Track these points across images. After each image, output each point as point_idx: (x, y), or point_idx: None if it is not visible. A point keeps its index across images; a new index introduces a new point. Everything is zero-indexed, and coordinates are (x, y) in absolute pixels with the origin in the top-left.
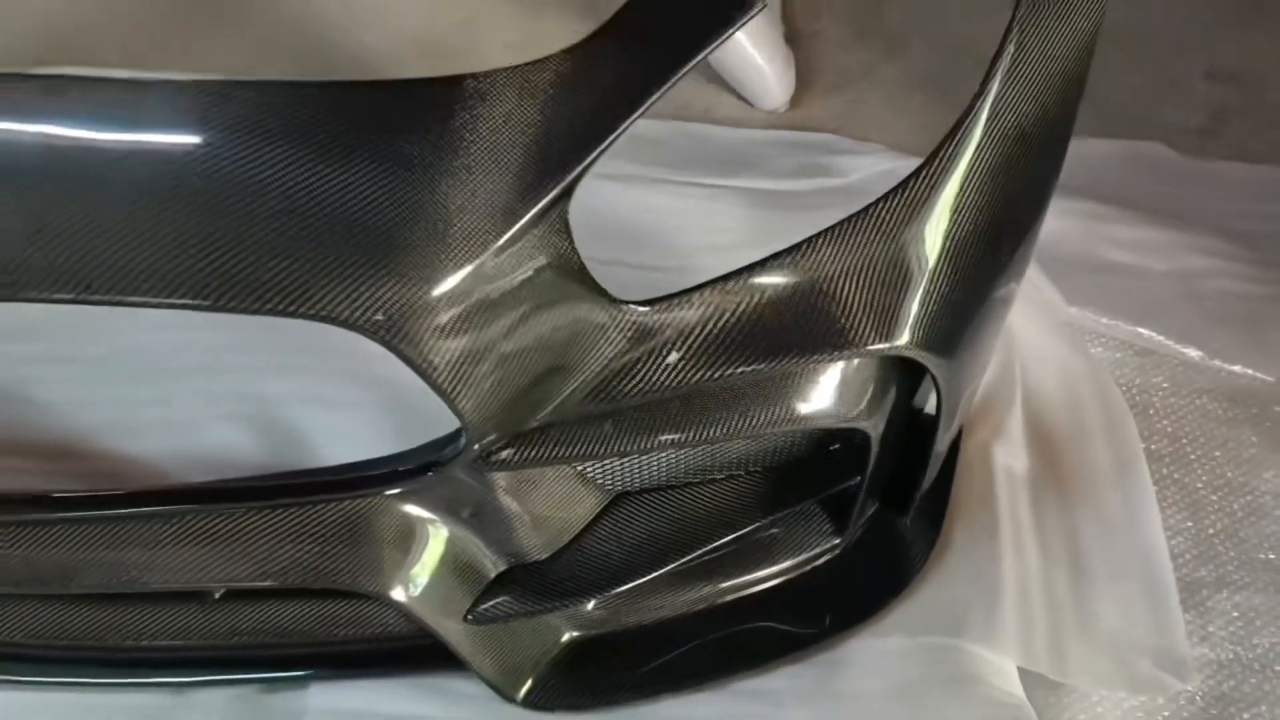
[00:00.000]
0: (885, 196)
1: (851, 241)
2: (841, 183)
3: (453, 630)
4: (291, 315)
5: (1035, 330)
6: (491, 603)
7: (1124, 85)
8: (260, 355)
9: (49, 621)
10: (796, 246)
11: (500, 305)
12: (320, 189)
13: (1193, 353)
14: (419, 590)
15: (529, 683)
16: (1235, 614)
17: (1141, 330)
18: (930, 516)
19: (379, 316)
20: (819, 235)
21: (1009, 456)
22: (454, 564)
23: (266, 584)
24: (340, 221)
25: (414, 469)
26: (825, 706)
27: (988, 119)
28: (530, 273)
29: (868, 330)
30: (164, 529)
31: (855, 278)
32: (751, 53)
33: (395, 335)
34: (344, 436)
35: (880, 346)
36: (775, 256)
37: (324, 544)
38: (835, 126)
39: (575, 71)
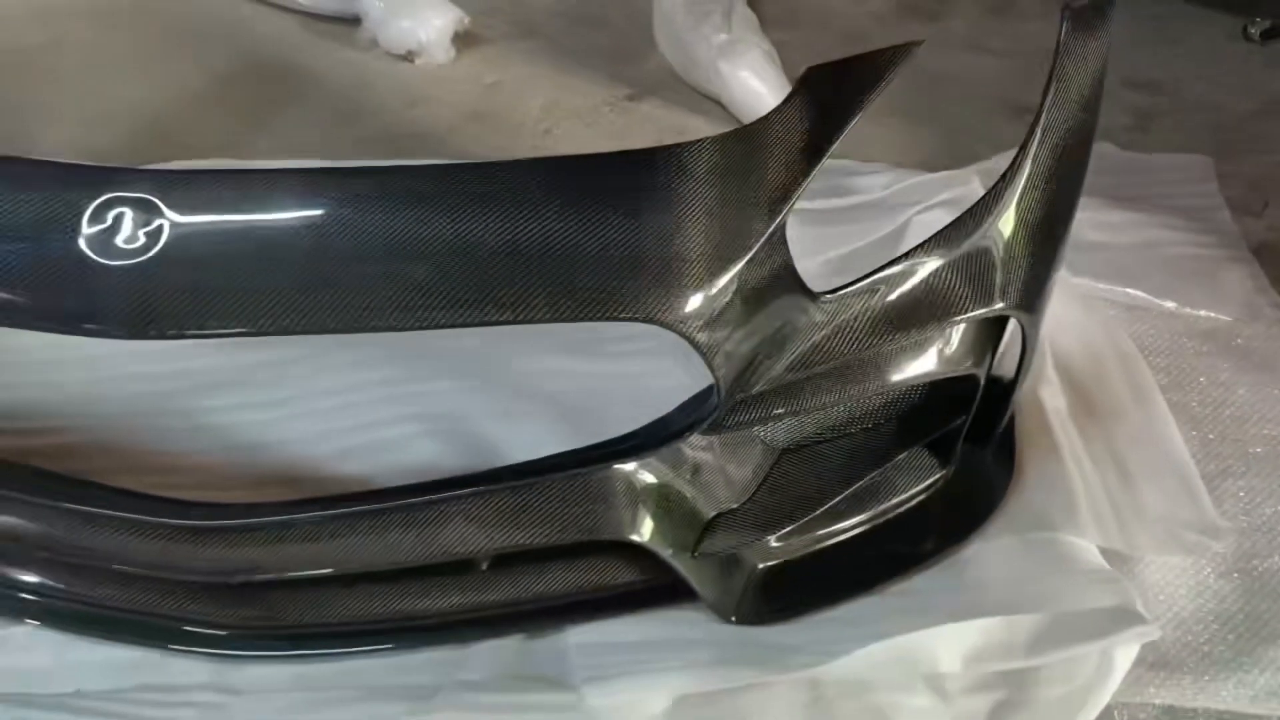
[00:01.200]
0: (975, 205)
1: (956, 238)
2: (869, 198)
3: (686, 564)
4: (616, 319)
5: (1055, 297)
6: (709, 541)
7: None
8: (439, 382)
9: (342, 602)
10: (921, 245)
11: (746, 301)
12: (633, 232)
13: (1169, 304)
14: (663, 535)
15: (738, 604)
16: (1242, 494)
17: (1129, 290)
18: (1006, 448)
19: (669, 317)
20: (933, 237)
21: (1052, 398)
22: (682, 513)
23: (550, 543)
24: (649, 253)
25: (682, 428)
26: (960, 596)
27: (1040, 137)
28: (764, 277)
29: (975, 300)
30: (478, 506)
31: (963, 263)
32: (758, 86)
33: (686, 326)
34: (528, 441)
35: (984, 311)
36: (906, 255)
37: (599, 504)
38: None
39: (759, 137)
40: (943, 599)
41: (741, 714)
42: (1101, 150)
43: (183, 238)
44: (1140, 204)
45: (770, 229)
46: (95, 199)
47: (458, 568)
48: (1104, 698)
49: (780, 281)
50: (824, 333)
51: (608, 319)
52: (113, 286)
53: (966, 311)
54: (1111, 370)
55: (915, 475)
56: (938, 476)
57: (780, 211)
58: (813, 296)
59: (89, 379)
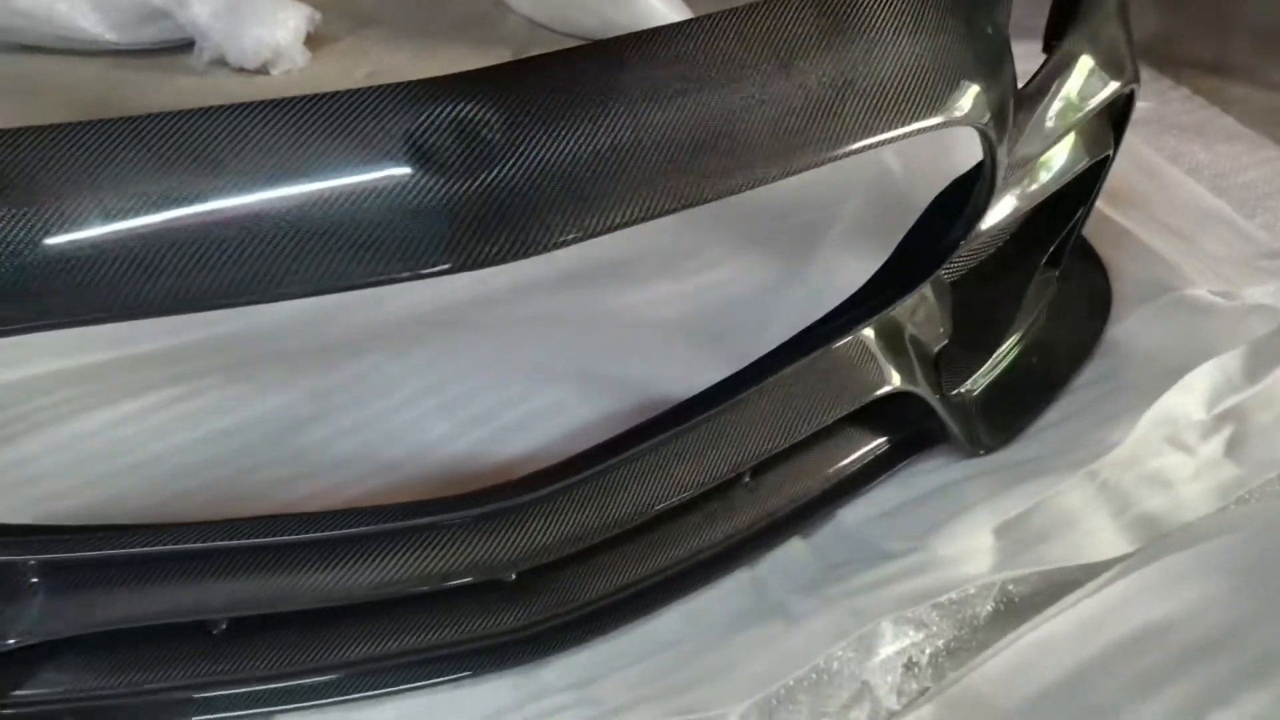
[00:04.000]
0: None
1: None
2: None
3: (938, 404)
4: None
5: None
6: (946, 378)
7: None
8: (553, 344)
9: (631, 565)
10: None
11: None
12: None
13: None
14: (917, 379)
15: (974, 435)
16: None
17: None
18: (1081, 245)
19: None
20: None
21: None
22: (920, 355)
23: (820, 426)
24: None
25: (939, 255)
26: (1150, 365)
27: None
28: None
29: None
30: (742, 413)
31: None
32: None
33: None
34: (678, 367)
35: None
36: None
37: (860, 367)
38: None
39: None
40: (1134, 375)
41: (1056, 521)
42: None
43: (524, 142)
44: None
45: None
46: (419, 119)
47: (717, 495)
48: None
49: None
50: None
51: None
52: (457, 212)
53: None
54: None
55: (1044, 283)
56: (1056, 281)
57: None
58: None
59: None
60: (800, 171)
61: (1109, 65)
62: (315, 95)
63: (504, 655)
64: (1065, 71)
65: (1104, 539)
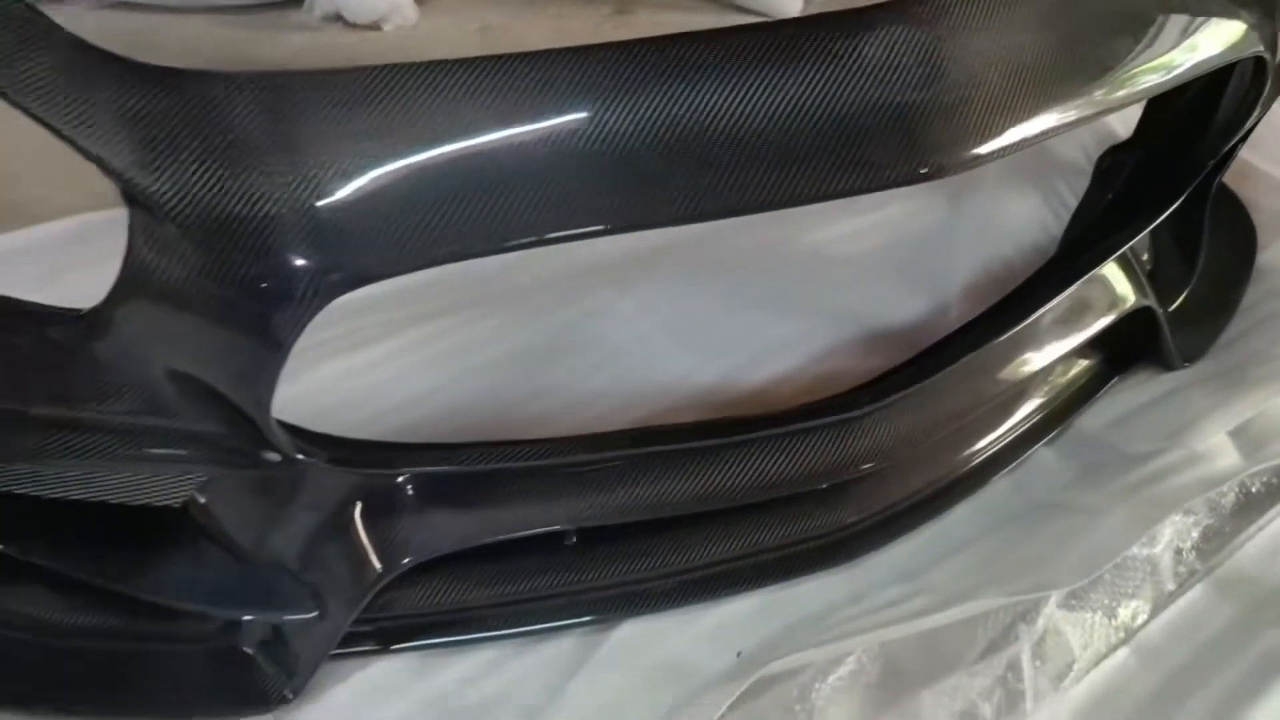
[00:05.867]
0: None
1: None
2: None
3: (1163, 318)
4: None
5: None
6: (1161, 295)
7: None
8: (760, 289)
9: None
10: None
11: None
12: None
13: None
14: (1148, 296)
15: (1185, 347)
16: None
17: None
18: None
19: None
20: None
21: None
22: (1145, 275)
23: (1076, 345)
24: None
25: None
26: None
27: None
28: None
29: None
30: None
31: None
32: None
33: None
34: (881, 295)
35: None
36: None
37: (1111, 290)
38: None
39: None
40: None
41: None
42: None
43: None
44: None
45: None
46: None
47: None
48: None
49: None
50: None
51: None
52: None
53: None
54: None
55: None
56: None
57: None
58: None
59: None
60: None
61: None
62: (792, 20)
63: (829, 554)
64: None
65: None
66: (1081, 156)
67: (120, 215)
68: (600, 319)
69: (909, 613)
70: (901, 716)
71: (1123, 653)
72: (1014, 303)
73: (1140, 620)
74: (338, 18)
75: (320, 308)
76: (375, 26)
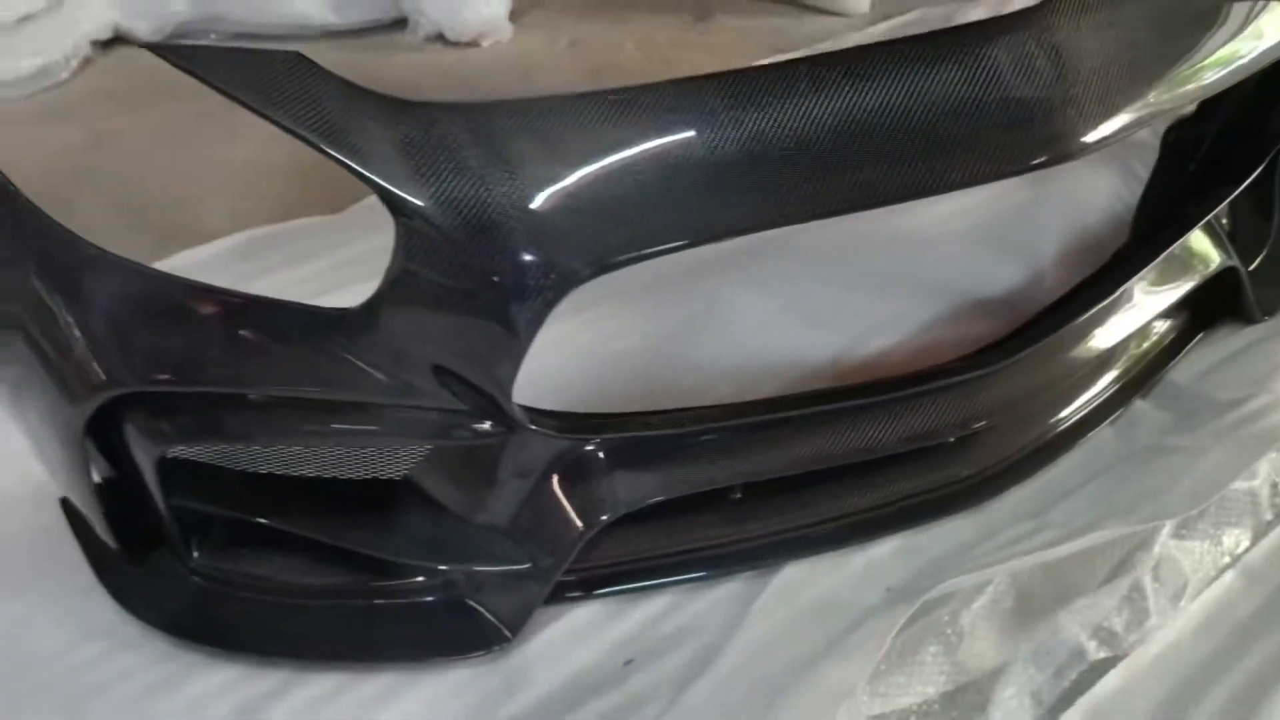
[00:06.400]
0: None
1: None
2: None
3: (1245, 277)
4: None
5: None
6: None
7: None
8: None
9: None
10: None
11: None
12: None
13: None
14: (1232, 256)
15: (1262, 302)
16: None
17: None
18: None
19: None
20: None
21: None
22: (1226, 235)
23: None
24: None
25: None
26: None
27: None
28: None
29: None
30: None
31: None
32: None
33: None
34: (979, 270)
35: None
36: None
37: (1203, 245)
38: (909, 4)
39: None
40: None
41: None
42: None
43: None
44: None
45: None
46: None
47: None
48: None
49: None
50: None
51: None
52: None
53: None
54: None
55: None
56: None
57: None
58: None
59: None
60: None
61: None
62: (941, 31)
63: (961, 499)
64: None
65: None
66: (1148, 131)
67: (273, 232)
68: (723, 306)
69: (1041, 544)
70: (1043, 633)
71: (1229, 575)
72: (1111, 271)
73: (1243, 547)
74: (439, 37)
75: (555, 302)
76: (474, 44)
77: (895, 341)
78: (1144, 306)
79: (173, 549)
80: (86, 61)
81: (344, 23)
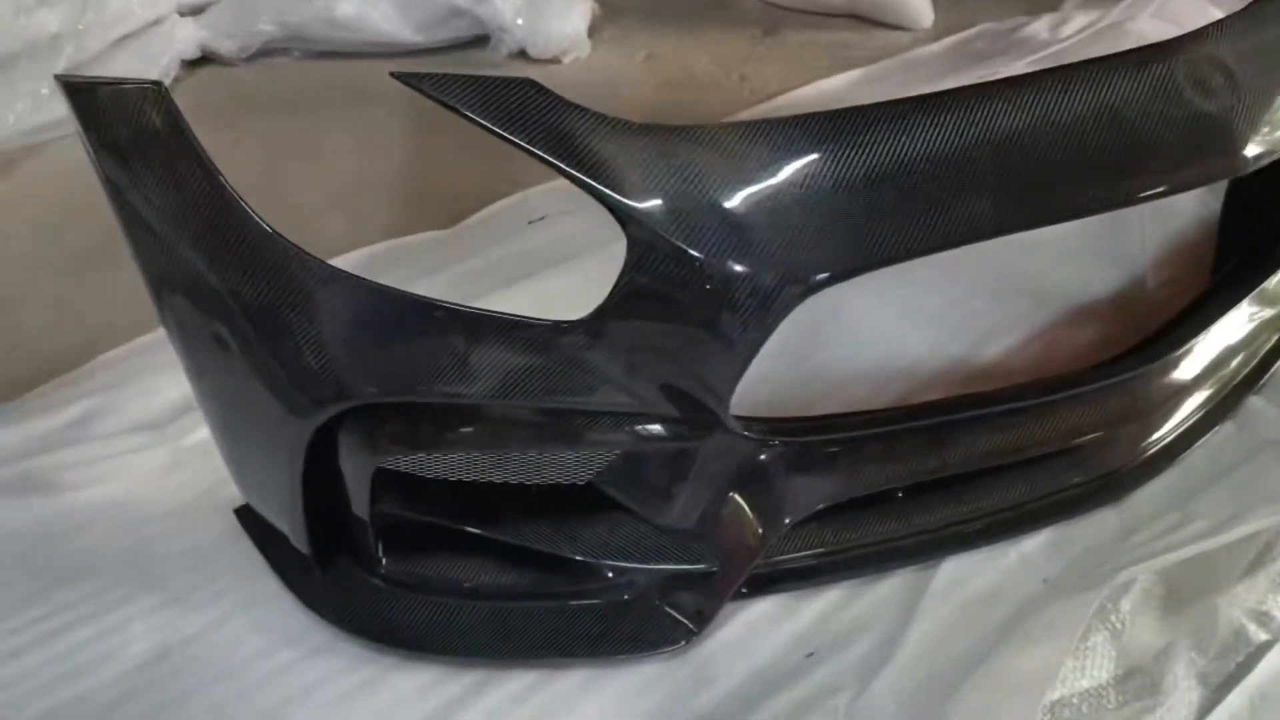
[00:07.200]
0: None
1: None
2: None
3: None
4: None
5: None
6: None
7: None
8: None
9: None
10: None
11: None
12: None
13: None
14: None
15: None
16: None
17: None
18: None
19: None
20: None
21: None
22: None
23: None
24: None
25: None
26: None
27: None
28: None
29: None
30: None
31: None
32: None
33: None
34: (1076, 276)
35: None
36: None
37: None
38: (971, 20)
39: None
40: None
41: None
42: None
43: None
44: None
45: None
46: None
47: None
48: None
49: None
50: None
51: None
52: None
53: None
54: None
55: None
56: None
57: None
58: None
59: None
60: None
61: None
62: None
63: (1104, 493)
64: None
65: None
66: None
67: (392, 246)
68: (845, 313)
69: (1192, 534)
70: (1201, 618)
71: None
72: (1229, 282)
73: None
74: (521, 54)
75: (783, 315)
76: (555, 60)
77: (1007, 347)
78: (1259, 309)
79: (361, 555)
80: (175, 81)
81: (428, 42)
